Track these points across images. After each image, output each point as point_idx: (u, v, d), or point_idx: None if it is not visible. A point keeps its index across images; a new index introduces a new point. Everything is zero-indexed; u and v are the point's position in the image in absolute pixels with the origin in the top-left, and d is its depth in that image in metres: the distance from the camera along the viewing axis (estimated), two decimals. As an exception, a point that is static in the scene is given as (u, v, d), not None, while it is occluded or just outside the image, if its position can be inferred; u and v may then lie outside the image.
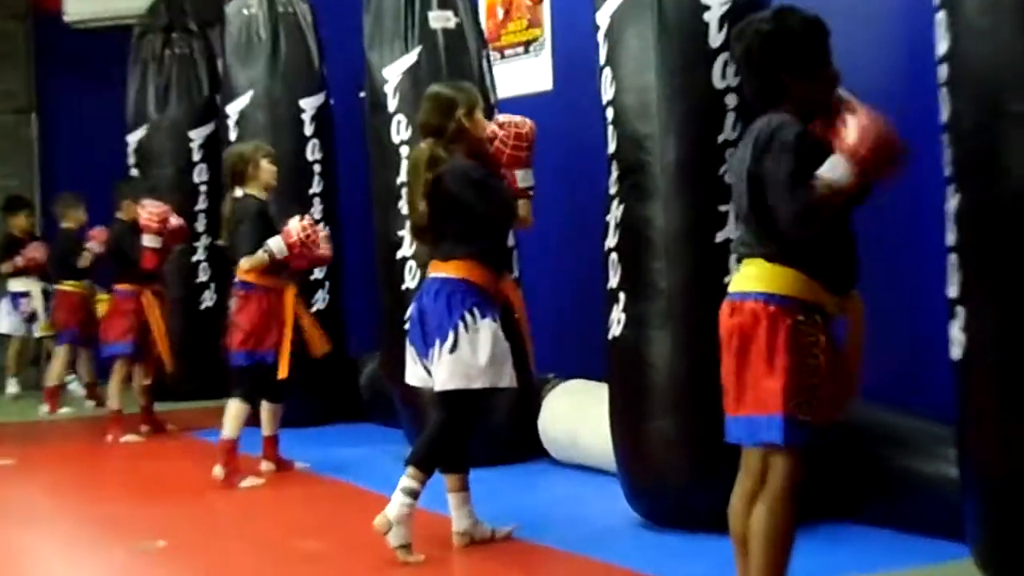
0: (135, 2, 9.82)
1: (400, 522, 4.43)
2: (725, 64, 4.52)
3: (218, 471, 6.04)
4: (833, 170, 3.10)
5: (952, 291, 3.72)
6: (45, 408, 9.09)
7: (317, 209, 7.85)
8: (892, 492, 4.55)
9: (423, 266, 6.02)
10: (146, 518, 5.55)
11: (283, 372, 6.10)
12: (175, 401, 8.57)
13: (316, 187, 7.92)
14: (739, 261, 3.32)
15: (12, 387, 10.12)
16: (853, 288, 3.30)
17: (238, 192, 6.18)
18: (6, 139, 11.15)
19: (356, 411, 7.93)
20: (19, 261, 9.58)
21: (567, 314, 6.73)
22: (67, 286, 9.03)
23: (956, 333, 3.70)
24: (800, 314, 3.15)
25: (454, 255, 4.54)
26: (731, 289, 3.29)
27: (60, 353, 9.15)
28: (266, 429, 6.32)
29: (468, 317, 4.45)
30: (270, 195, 6.30)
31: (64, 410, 9.10)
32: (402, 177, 6.13)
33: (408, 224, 4.73)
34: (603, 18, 4.83)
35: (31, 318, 9.68)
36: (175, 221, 7.61)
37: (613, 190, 4.82)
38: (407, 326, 4.76)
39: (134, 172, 9.40)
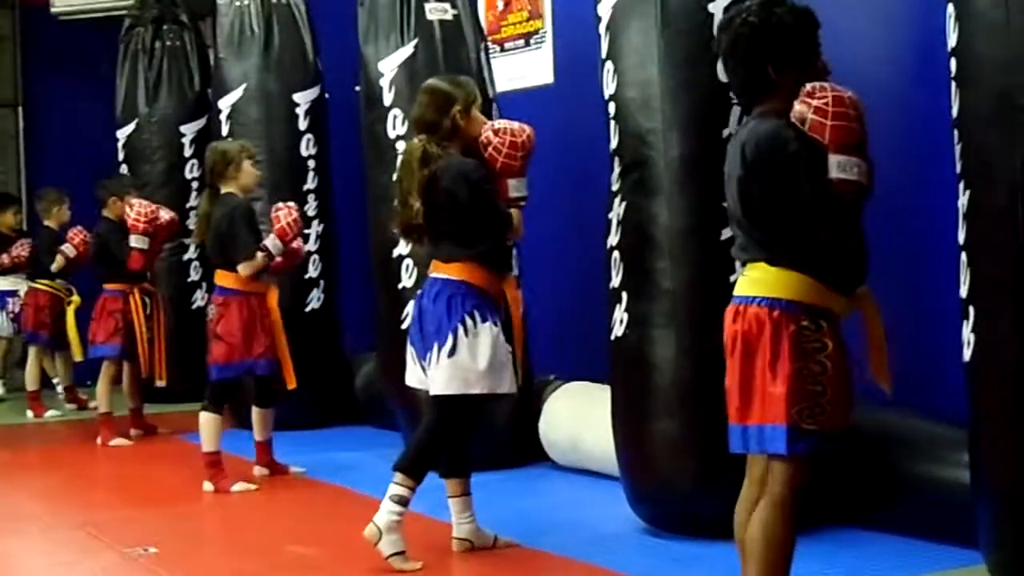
0: (124, -7, 9.76)
1: (391, 530, 4.35)
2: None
3: (208, 486, 5.97)
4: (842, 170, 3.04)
5: (963, 291, 3.65)
6: (30, 413, 9.04)
7: (311, 206, 7.81)
8: (902, 497, 4.51)
9: (420, 265, 5.95)
10: (137, 523, 5.49)
11: (292, 382, 5.99)
12: (165, 403, 8.49)
13: (311, 183, 7.86)
14: (742, 265, 3.25)
15: (-2, 389, 10.09)
16: (863, 285, 3.23)
17: (219, 190, 6.04)
18: (-9, 133, 11.09)
19: (352, 414, 7.89)
20: (4, 260, 9.49)
21: (568, 314, 6.67)
22: (40, 285, 8.99)
23: (967, 334, 3.64)
24: (804, 319, 3.09)
25: (455, 257, 4.44)
26: (735, 293, 3.23)
27: (32, 355, 9.12)
28: (258, 434, 6.24)
29: (468, 321, 4.36)
30: (256, 192, 6.20)
31: (50, 413, 9.05)
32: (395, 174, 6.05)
33: (397, 221, 4.61)
34: (605, 10, 4.77)
35: (17, 318, 9.59)
36: (166, 216, 7.52)
37: (615, 187, 4.75)
38: (408, 326, 4.66)
39: (123, 168, 9.32)
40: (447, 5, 6.29)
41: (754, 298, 3.13)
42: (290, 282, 7.63)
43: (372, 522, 4.37)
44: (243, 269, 5.91)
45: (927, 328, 4.81)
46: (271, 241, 5.94)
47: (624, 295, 4.69)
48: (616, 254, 4.73)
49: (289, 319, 7.34)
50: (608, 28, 4.74)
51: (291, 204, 6.19)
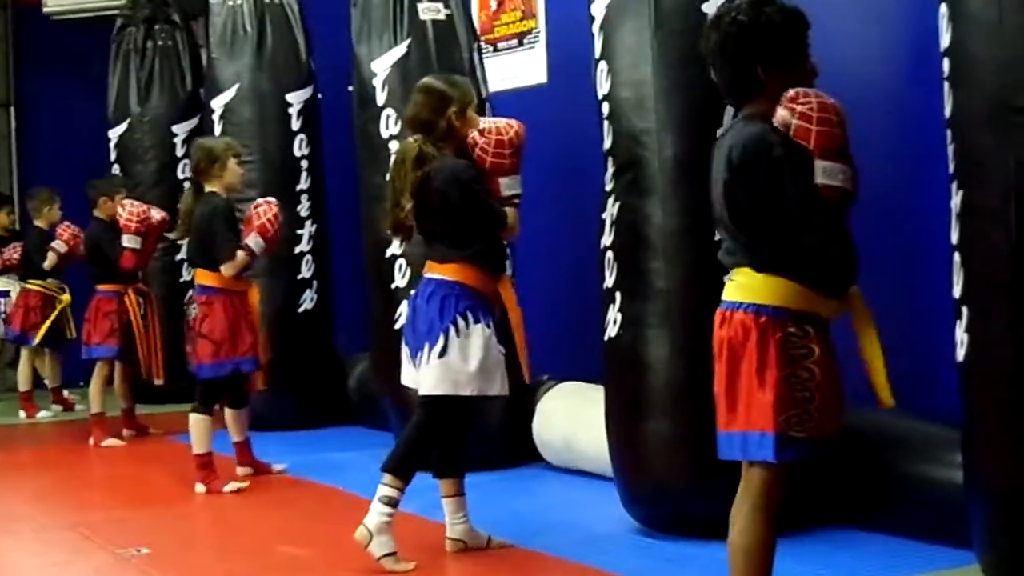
0: (116, -8, 9.73)
1: (381, 531, 4.34)
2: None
3: (200, 488, 5.96)
4: (828, 176, 3.04)
5: (956, 291, 3.65)
6: (22, 413, 9.02)
7: (304, 206, 7.81)
8: (896, 497, 4.50)
9: (413, 265, 5.94)
10: (129, 524, 5.47)
11: (263, 383, 5.99)
12: (157, 404, 8.46)
13: (303, 183, 7.85)
14: (729, 269, 3.23)
15: (-10, 390, 10.08)
16: (852, 286, 3.21)
17: (203, 187, 6.03)
18: (-17, 133, 11.07)
19: (344, 414, 7.86)
20: None
21: (562, 314, 6.66)
22: (32, 285, 8.96)
23: (960, 334, 3.63)
24: (791, 325, 3.07)
25: (449, 257, 4.43)
26: (723, 298, 3.21)
27: (24, 356, 9.11)
28: (236, 435, 6.23)
29: (460, 321, 4.35)
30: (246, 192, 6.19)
31: (42, 414, 9.02)
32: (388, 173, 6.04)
33: (387, 220, 4.60)
34: (598, 10, 4.75)
35: (9, 319, 9.56)
36: (157, 215, 7.50)
37: (609, 187, 4.73)
38: (403, 325, 4.64)
39: (116, 168, 9.28)
40: (440, 5, 6.27)
41: (740, 304, 3.11)
42: (283, 282, 7.64)
43: (363, 524, 4.36)
44: (226, 270, 5.89)
45: (920, 328, 4.80)
46: (252, 239, 5.91)
47: (618, 295, 4.67)
48: (610, 254, 4.71)
49: (282, 320, 7.36)
50: (602, 28, 4.72)
51: (271, 200, 6.17)
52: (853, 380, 3.23)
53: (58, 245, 8.68)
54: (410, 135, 4.56)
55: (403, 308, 5.77)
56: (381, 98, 6.25)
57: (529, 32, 7.34)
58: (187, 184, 6.53)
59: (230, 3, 7.91)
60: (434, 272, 4.47)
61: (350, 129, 6.67)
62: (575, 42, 5.81)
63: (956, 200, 3.64)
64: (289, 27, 7.95)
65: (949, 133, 3.68)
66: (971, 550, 3.80)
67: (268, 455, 6.51)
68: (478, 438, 4.98)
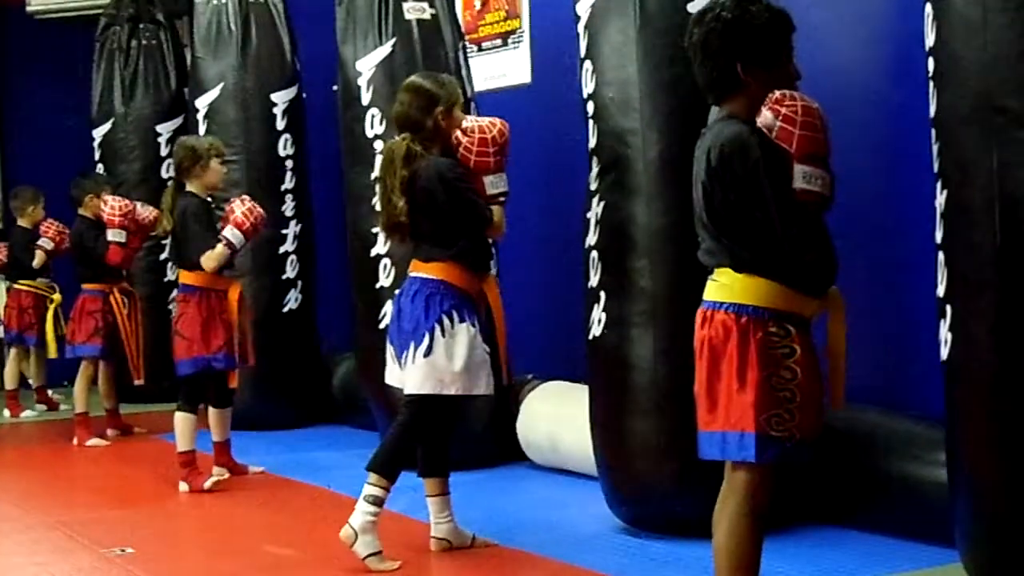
0: (100, -9, 9.69)
1: (366, 531, 4.33)
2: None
3: (184, 487, 5.96)
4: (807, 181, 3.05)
5: (940, 290, 3.65)
6: (7, 412, 8.99)
7: (289, 206, 7.79)
8: (880, 496, 4.51)
9: (398, 264, 5.94)
10: (113, 523, 5.46)
11: (232, 382, 5.99)
12: (141, 403, 8.43)
13: (288, 183, 7.83)
14: (709, 270, 3.23)
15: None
16: (832, 286, 3.22)
17: (183, 185, 6.02)
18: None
19: (329, 413, 7.85)
20: None
21: (546, 314, 6.66)
22: (21, 286, 8.93)
23: (944, 333, 3.64)
24: (772, 325, 3.08)
25: (435, 257, 4.43)
26: (704, 297, 3.21)
27: (11, 355, 9.08)
28: (216, 435, 6.21)
29: (445, 321, 4.35)
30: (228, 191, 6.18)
31: (26, 413, 9.00)
32: (377, 173, 6.02)
33: (381, 220, 4.60)
34: (583, 9, 4.75)
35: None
36: (146, 213, 7.47)
37: (594, 186, 4.73)
38: (388, 324, 4.63)
39: (100, 167, 9.24)
40: (425, 4, 6.27)
41: (721, 304, 3.12)
42: (268, 282, 7.63)
43: (348, 523, 4.35)
44: (206, 263, 5.88)
45: (904, 327, 4.82)
46: (229, 231, 5.90)
47: (602, 295, 4.67)
48: (594, 254, 4.71)
49: (267, 319, 7.34)
50: (587, 27, 4.72)
51: (244, 197, 6.17)
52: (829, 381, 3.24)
53: (44, 243, 8.69)
54: (397, 134, 4.56)
55: (388, 308, 5.77)
56: (366, 98, 6.24)
57: (513, 32, 7.34)
58: (170, 183, 6.52)
59: (214, 2, 7.89)
60: (419, 271, 4.46)
61: (335, 129, 6.66)
62: (559, 42, 5.83)
63: (940, 199, 3.64)
64: (274, 26, 7.94)
65: (933, 132, 3.68)
66: (955, 548, 3.80)
67: (252, 454, 6.50)
68: (463, 438, 4.99)
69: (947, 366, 3.68)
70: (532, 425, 6.07)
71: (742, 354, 3.06)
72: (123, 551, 4.85)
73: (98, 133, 9.39)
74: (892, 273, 4.86)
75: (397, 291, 4.63)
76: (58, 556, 4.92)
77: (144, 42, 9.35)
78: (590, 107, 4.73)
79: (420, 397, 4.39)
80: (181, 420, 5.95)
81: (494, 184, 4.49)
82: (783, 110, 3.05)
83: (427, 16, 6.27)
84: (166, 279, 9.04)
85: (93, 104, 9.43)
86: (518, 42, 7.31)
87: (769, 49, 3.15)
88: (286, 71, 7.94)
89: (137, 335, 7.56)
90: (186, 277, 6.02)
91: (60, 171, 8.76)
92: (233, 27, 7.85)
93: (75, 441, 7.51)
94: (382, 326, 5.81)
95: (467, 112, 5.26)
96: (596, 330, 4.70)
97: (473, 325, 4.41)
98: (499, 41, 7.45)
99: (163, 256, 8.99)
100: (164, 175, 9.08)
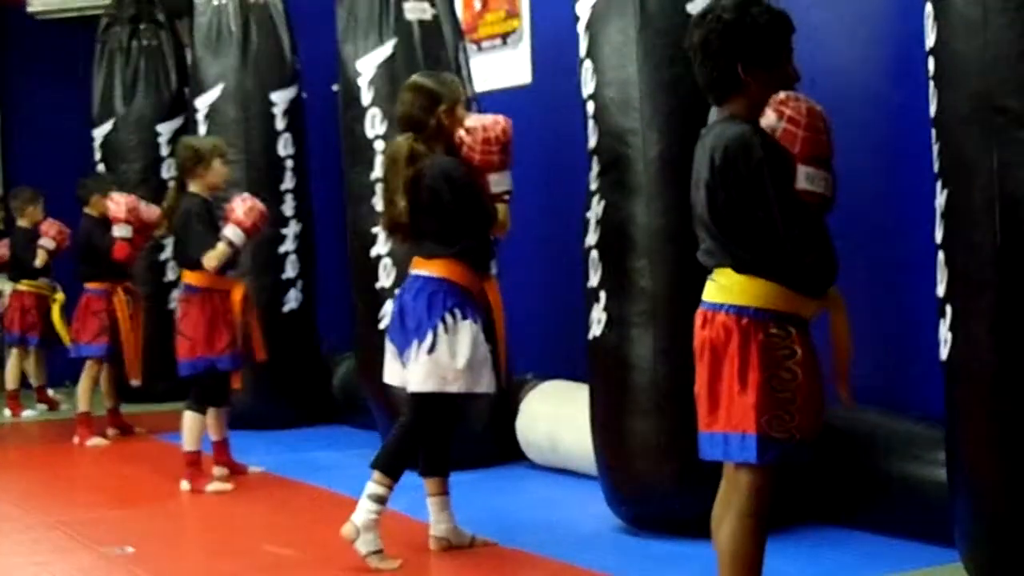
0: (101, -8, 9.70)
1: (368, 529, 4.34)
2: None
3: (185, 485, 5.96)
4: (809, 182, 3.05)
5: (940, 290, 3.66)
6: (7, 412, 8.99)
7: (289, 205, 7.79)
8: (880, 495, 4.50)
9: (398, 264, 5.94)
10: (114, 523, 5.46)
11: (237, 383, 5.99)
12: (143, 403, 8.43)
13: (288, 183, 7.84)
14: (709, 270, 3.23)
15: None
16: (832, 286, 3.22)
17: (186, 185, 6.03)
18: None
19: (329, 413, 7.85)
20: None
21: (546, 313, 6.66)
22: (23, 286, 8.94)
23: (944, 333, 3.64)
24: (773, 326, 3.08)
25: (437, 254, 4.43)
26: (703, 298, 3.21)
27: (13, 355, 9.08)
28: (214, 434, 6.21)
29: (448, 318, 4.35)
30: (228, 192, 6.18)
31: (27, 413, 9.00)
32: (377, 172, 6.03)
33: (383, 220, 4.61)
34: (583, 9, 4.75)
35: (0, 319, 9.53)
36: (149, 211, 7.47)
37: (594, 186, 4.73)
38: (388, 323, 4.63)
39: (100, 167, 9.26)
40: (426, 4, 6.26)
41: (722, 305, 3.11)
42: (268, 282, 7.63)
43: (350, 520, 4.35)
44: (207, 262, 5.88)
45: (904, 327, 4.82)
46: (230, 230, 5.91)
47: (602, 294, 4.67)
48: (594, 253, 4.71)
49: (267, 319, 7.34)
50: (587, 27, 4.72)
51: (246, 195, 6.17)
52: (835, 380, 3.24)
53: (46, 242, 8.70)
54: (399, 134, 4.56)
55: (387, 307, 5.77)
56: (367, 98, 6.24)
57: (513, 31, 7.34)
58: (171, 183, 6.54)
59: (215, 2, 7.90)
60: (421, 269, 4.47)
61: (335, 129, 6.66)
62: (560, 41, 5.82)
63: (940, 199, 3.64)
64: (274, 26, 7.94)
65: (934, 132, 3.68)
66: (955, 548, 3.80)
67: (252, 454, 6.50)
68: (462, 437, 4.99)
69: (947, 366, 3.68)
70: (532, 425, 6.07)
71: (743, 355, 3.06)
72: (123, 550, 4.86)
73: (98, 133, 9.40)
74: (892, 273, 4.86)
75: (398, 290, 4.63)
76: (58, 556, 4.92)
77: (144, 42, 9.37)
78: (590, 107, 4.73)
79: (424, 395, 4.39)
80: (189, 419, 5.95)
81: (498, 183, 4.49)
82: (787, 111, 3.05)
83: (428, 16, 6.27)
84: (166, 279, 9.05)
85: (93, 104, 9.44)
86: (518, 42, 7.31)
87: (770, 50, 3.16)
88: (286, 71, 7.94)
89: (137, 336, 7.56)
90: (189, 277, 6.03)
91: (60, 171, 8.78)
92: (233, 27, 7.86)
93: (75, 440, 7.51)
94: (382, 326, 5.81)
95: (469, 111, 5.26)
96: (596, 330, 4.70)
97: (476, 322, 4.41)
98: (499, 41, 7.45)
99: (163, 256, 8.99)
100: (164, 175, 9.10)
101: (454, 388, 4.37)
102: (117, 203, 7.34)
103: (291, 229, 7.80)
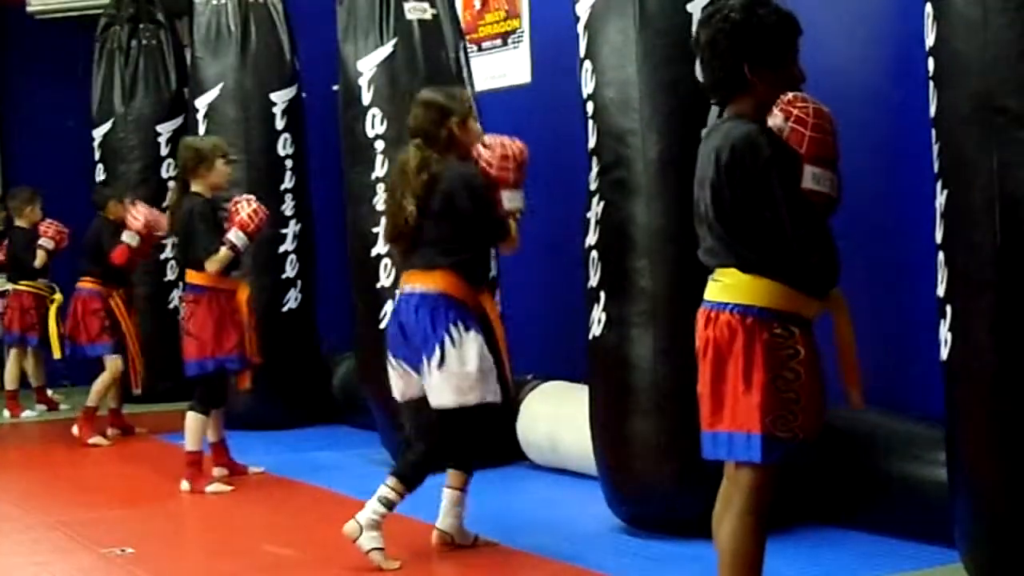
0: (100, -9, 9.70)
1: (371, 528, 4.34)
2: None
3: (185, 485, 5.95)
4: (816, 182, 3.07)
5: (940, 290, 3.66)
6: (7, 412, 8.99)
7: (289, 205, 7.79)
8: (880, 496, 4.50)
9: (398, 265, 5.92)
10: (114, 523, 5.46)
11: (246, 383, 5.99)
12: (143, 403, 8.42)
13: (288, 183, 7.83)
14: (712, 269, 3.22)
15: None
16: (835, 287, 3.22)
17: (189, 186, 6.02)
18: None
19: (329, 413, 7.85)
20: None
21: (546, 314, 6.66)
22: (22, 286, 8.94)
23: (944, 333, 3.64)
24: (777, 326, 3.08)
25: (435, 264, 4.43)
26: (706, 297, 3.20)
27: (12, 355, 9.08)
28: (212, 435, 6.21)
29: (454, 331, 4.36)
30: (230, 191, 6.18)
31: (26, 414, 8.99)
32: (377, 172, 6.04)
33: (386, 230, 4.61)
34: (583, 9, 4.75)
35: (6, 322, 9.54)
36: (159, 225, 7.46)
37: (593, 186, 4.74)
38: (388, 341, 4.60)
39: (100, 167, 9.25)
40: (426, 4, 6.26)
41: (726, 304, 3.11)
42: (268, 282, 7.63)
43: (354, 518, 4.35)
44: (210, 266, 5.89)
45: (904, 327, 4.82)
46: (233, 234, 5.91)
47: (602, 295, 4.67)
48: (594, 254, 4.71)
49: (267, 319, 7.34)
50: (587, 27, 4.72)
51: (250, 196, 6.17)
52: (836, 380, 3.24)
53: (45, 242, 8.69)
54: (411, 143, 4.56)
55: (388, 308, 5.77)
56: (367, 98, 6.23)
57: (513, 32, 7.34)
58: (172, 183, 6.54)
59: (214, 2, 7.90)
60: (414, 283, 4.46)
61: (335, 128, 6.66)
62: (559, 41, 5.81)
63: (940, 199, 3.64)
64: (273, 26, 7.94)
65: (934, 132, 3.68)
66: (955, 548, 3.80)
67: (252, 454, 6.50)
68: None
69: (947, 366, 3.68)
70: (532, 425, 6.07)
71: (748, 355, 3.06)
72: (123, 551, 4.85)
73: (98, 133, 9.40)
74: (892, 273, 4.86)
75: (391, 310, 4.59)
76: (58, 556, 4.93)
77: (144, 42, 9.36)
78: (590, 107, 4.73)
79: (449, 411, 4.38)
80: (192, 420, 5.95)
81: (511, 199, 4.52)
82: (795, 112, 3.06)
83: (428, 16, 6.26)
84: (166, 279, 9.05)
85: (93, 104, 9.44)
86: (518, 42, 7.31)
87: (775, 51, 3.16)
88: (286, 71, 7.94)
89: (135, 344, 7.56)
90: (193, 277, 6.02)
91: (60, 171, 8.78)
92: (233, 27, 7.86)
93: (74, 430, 7.50)
94: (382, 326, 5.80)
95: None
96: (596, 330, 4.70)
97: (479, 333, 4.42)
98: (499, 41, 7.45)
99: (163, 256, 8.99)
100: (164, 175, 9.10)
101: (471, 399, 4.36)
102: (136, 217, 7.33)
103: (291, 229, 7.80)
